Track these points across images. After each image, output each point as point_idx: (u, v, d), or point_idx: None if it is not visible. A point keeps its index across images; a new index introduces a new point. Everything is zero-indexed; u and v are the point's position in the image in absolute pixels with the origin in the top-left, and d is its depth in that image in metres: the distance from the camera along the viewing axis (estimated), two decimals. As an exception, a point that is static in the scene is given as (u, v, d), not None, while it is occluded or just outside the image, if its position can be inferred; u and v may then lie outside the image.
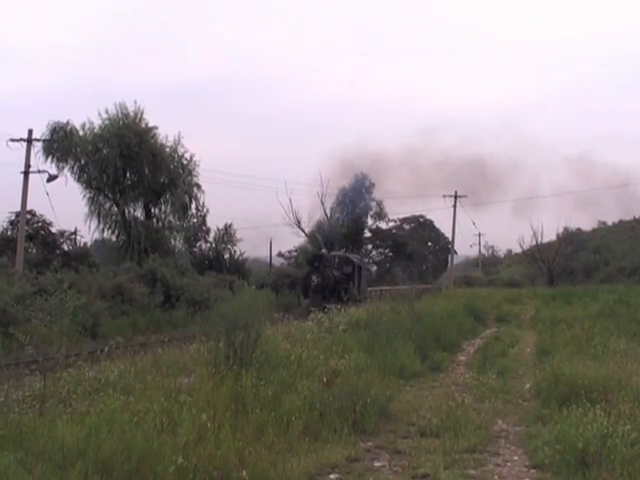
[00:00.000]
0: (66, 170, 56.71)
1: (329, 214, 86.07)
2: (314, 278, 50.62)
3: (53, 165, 55.38)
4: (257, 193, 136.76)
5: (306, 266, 56.18)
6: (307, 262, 55.38)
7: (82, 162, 57.09)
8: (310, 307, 37.74)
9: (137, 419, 10.47)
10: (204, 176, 62.48)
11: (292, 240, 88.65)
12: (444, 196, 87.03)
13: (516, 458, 12.25)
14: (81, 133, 57.67)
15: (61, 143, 55.94)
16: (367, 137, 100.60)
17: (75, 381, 13.69)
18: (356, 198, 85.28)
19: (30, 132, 48.37)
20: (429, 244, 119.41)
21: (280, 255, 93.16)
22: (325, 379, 15.55)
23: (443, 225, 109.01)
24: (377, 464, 11.80)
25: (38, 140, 50.78)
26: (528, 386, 18.62)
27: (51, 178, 48.77)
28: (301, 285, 53.89)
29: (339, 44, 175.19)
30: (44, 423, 10.35)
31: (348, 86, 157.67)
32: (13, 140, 47.41)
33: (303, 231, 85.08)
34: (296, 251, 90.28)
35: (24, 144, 47.73)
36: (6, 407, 10.93)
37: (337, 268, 54.13)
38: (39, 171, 48.32)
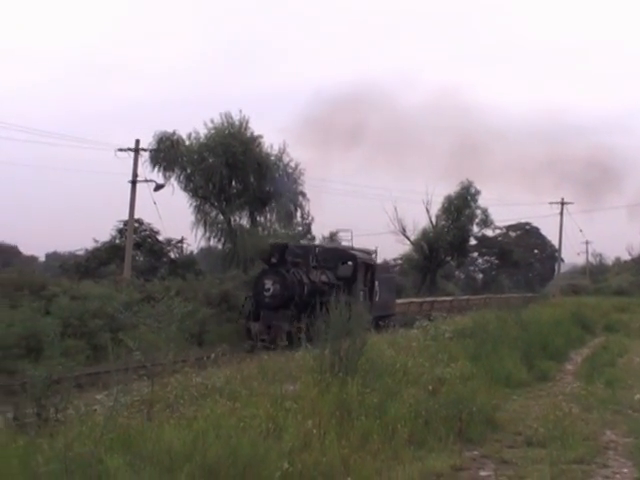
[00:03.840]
0: (172, 179, 57.43)
1: (434, 222, 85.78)
2: (268, 284, 32.85)
3: (160, 174, 56.11)
4: (362, 201, 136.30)
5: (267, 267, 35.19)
6: (261, 259, 37.01)
7: (188, 171, 57.67)
8: (258, 339, 29.68)
9: (243, 424, 10.54)
10: (309, 184, 62.59)
11: (397, 248, 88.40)
12: (550, 203, 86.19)
13: (625, 470, 12.00)
14: (187, 143, 58.25)
15: (167, 153, 56.68)
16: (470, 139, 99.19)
17: (182, 387, 13.86)
18: (461, 205, 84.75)
19: (137, 142, 49.36)
20: (535, 252, 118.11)
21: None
22: (431, 387, 15.48)
23: (550, 232, 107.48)
24: (483, 473, 11.69)
25: (145, 150, 51.70)
26: (638, 396, 18.26)
27: (158, 187, 49.55)
28: (251, 297, 34.40)
29: (441, 48, 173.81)
30: (152, 427, 10.49)
31: (455, 89, 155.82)
32: (121, 150, 48.47)
33: (408, 239, 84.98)
34: (401, 259, 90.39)
35: (132, 154, 48.75)
36: (115, 411, 11.10)
37: (321, 267, 36.35)
38: (146, 180, 49.25)
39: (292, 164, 60.96)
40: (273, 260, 33.23)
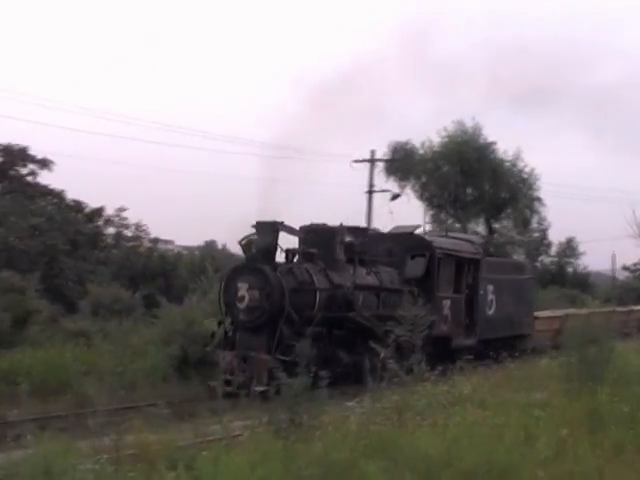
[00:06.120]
0: (408, 188, 57.82)
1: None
2: (242, 290, 20.29)
3: (395, 184, 56.57)
4: (601, 205, 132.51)
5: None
6: (241, 246, 21.55)
7: (423, 180, 57.94)
8: (224, 380, 18.56)
9: (495, 432, 10.61)
10: (546, 190, 61.55)
11: (637, 253, 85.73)
12: None
13: None
14: (421, 152, 58.54)
15: (402, 162, 57.06)
16: None
17: (430, 395, 14.03)
18: None
19: (372, 153, 49.95)
20: None
21: (625, 268, 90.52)
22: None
23: None
24: None
25: (380, 160, 52.37)
26: None
27: (394, 197, 49.95)
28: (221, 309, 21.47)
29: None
30: (404, 434, 10.71)
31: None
32: (356, 161, 49.11)
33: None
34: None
35: (367, 165, 49.39)
36: (367, 418, 11.42)
37: (369, 263, 23.49)
38: (382, 190, 49.81)
39: (527, 169, 60.25)
40: (254, 250, 20.96)
